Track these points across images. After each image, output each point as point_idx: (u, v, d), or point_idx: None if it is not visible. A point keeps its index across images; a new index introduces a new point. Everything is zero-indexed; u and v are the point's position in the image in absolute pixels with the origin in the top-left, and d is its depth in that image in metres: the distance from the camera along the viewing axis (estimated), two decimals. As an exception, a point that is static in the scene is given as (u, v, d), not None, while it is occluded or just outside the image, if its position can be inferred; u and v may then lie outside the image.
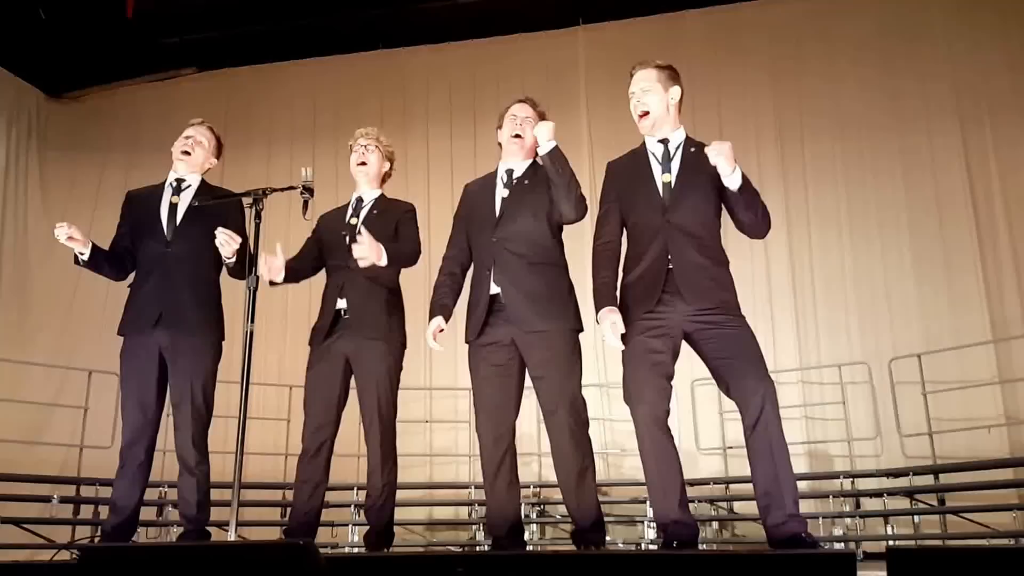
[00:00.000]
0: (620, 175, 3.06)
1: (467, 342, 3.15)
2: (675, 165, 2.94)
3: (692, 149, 2.95)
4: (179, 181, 3.54)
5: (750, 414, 2.69)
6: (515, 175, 3.22)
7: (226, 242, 3.20)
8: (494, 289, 3.07)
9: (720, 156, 2.74)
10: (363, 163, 3.53)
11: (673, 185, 2.89)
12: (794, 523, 2.59)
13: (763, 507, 2.67)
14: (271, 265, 3.27)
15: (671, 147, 2.96)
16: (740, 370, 2.73)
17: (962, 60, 7.19)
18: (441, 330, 3.17)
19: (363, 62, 8.59)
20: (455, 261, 3.29)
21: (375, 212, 3.49)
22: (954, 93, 7.16)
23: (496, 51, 8.38)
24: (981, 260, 6.78)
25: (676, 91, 2.99)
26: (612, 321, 2.83)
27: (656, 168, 2.95)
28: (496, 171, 3.29)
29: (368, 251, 3.14)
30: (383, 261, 3.19)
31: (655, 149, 2.98)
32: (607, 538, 3.25)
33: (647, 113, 2.97)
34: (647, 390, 2.79)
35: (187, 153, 3.53)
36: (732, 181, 2.77)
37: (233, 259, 3.30)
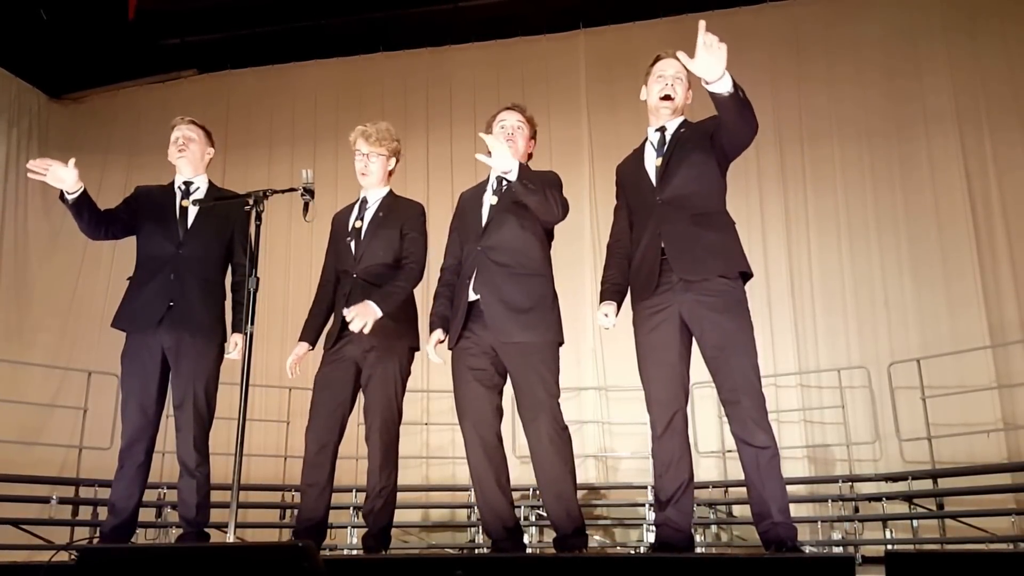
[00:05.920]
0: (624, 173, 3.12)
1: (449, 348, 3.14)
2: (668, 148, 2.96)
3: (682, 129, 2.98)
4: (187, 184, 3.55)
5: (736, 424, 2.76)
6: (505, 182, 3.21)
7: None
8: (472, 296, 3.07)
9: (709, 58, 2.59)
10: (364, 174, 3.45)
11: (664, 166, 2.92)
12: (780, 529, 2.61)
13: (754, 514, 2.71)
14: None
15: (667, 134, 2.99)
16: (727, 374, 2.73)
17: (961, 65, 7.21)
18: (440, 341, 3.17)
19: (364, 64, 8.61)
20: (452, 271, 3.27)
21: (380, 214, 3.44)
22: (953, 98, 7.18)
23: (497, 54, 8.39)
24: (979, 264, 6.79)
25: (690, 94, 3.04)
26: (604, 312, 2.97)
27: (651, 155, 2.99)
28: (488, 179, 3.28)
29: (360, 320, 3.06)
30: (379, 314, 3.11)
31: (653, 138, 3.03)
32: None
33: (671, 98, 2.96)
34: (656, 386, 2.86)
35: (183, 150, 3.52)
36: (720, 86, 2.63)
37: None
